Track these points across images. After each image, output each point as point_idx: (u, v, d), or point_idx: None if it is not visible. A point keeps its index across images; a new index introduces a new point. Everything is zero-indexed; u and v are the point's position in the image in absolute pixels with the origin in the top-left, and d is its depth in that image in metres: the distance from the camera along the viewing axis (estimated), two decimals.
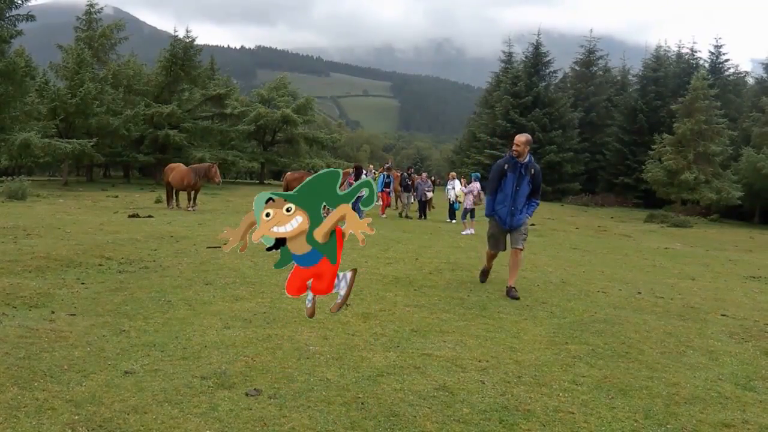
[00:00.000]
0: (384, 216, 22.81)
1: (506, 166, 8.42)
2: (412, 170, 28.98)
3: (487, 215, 8.84)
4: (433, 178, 31.64)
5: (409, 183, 24.53)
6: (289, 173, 25.45)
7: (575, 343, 6.11)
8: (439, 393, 4.54)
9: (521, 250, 8.50)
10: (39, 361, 4.80)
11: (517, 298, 7.97)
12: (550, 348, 5.88)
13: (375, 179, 28.28)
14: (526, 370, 5.20)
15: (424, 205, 24.59)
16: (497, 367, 5.23)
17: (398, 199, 25.89)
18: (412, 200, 24.65)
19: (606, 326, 6.86)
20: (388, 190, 24.07)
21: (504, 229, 8.59)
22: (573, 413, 4.29)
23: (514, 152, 8.36)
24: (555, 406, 4.39)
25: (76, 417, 3.85)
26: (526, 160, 8.37)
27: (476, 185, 19.38)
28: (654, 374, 5.25)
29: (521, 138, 8.48)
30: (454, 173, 24.97)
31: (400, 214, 24.23)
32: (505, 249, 8.76)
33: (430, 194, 25.57)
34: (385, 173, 25.16)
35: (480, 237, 17.42)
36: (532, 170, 8.43)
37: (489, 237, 8.89)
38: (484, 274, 9.24)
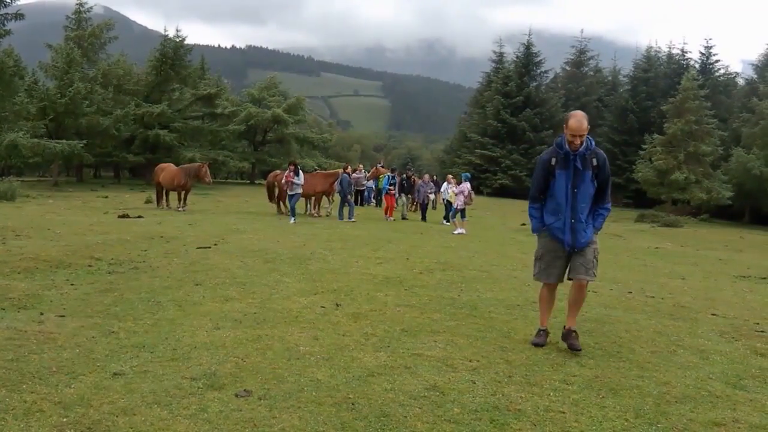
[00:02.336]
0: (392, 219, 22.47)
1: (553, 161, 5.82)
2: (411, 172, 28.67)
3: (534, 232, 6.20)
4: (435, 178, 31.27)
5: (406, 185, 24.36)
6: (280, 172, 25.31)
7: None
8: (430, 393, 4.53)
9: (587, 282, 5.89)
10: (27, 363, 4.77)
11: (579, 349, 5.71)
12: (541, 347, 5.88)
13: (379, 179, 28.16)
14: (517, 369, 5.19)
15: (425, 208, 24.18)
16: (488, 366, 5.23)
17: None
18: (406, 200, 24.49)
19: (597, 326, 6.87)
20: (393, 191, 23.67)
21: (562, 249, 5.89)
22: (564, 413, 4.29)
23: (575, 140, 5.67)
24: (546, 406, 4.39)
25: (65, 419, 3.82)
26: (582, 148, 5.72)
27: (466, 185, 19.35)
28: (644, 373, 5.25)
29: (578, 114, 5.76)
30: (450, 176, 24.68)
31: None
32: (562, 280, 6.06)
33: (432, 196, 25.37)
34: (390, 174, 24.92)
35: (470, 236, 17.43)
36: (594, 160, 5.75)
37: (538, 258, 6.11)
38: (539, 336, 6.08)
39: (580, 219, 5.78)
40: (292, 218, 18.48)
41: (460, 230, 18.41)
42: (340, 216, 20.77)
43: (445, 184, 24.06)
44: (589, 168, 5.73)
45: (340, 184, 20.98)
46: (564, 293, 6.56)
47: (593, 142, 5.82)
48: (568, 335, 5.82)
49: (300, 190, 19.31)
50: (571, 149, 5.69)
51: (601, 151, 5.85)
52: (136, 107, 41.88)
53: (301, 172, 19.52)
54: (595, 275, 5.94)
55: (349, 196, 21.31)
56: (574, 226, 5.78)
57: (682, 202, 42.09)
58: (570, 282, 5.99)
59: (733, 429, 4.17)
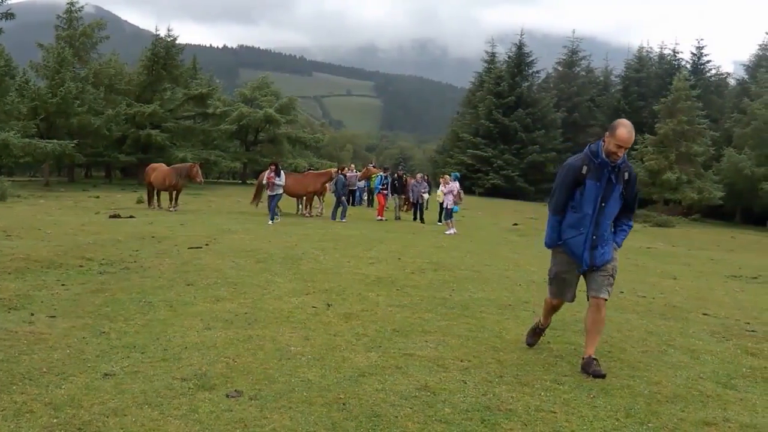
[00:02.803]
0: (384, 218, 22.35)
1: (585, 170, 5.25)
2: (403, 171, 28.46)
3: (548, 246, 5.66)
4: (427, 177, 31.10)
5: (397, 185, 24.27)
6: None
7: (557, 342, 6.13)
8: (421, 393, 4.53)
9: (605, 300, 5.37)
10: (18, 364, 4.74)
11: (603, 376, 5.11)
12: (532, 347, 5.89)
13: (371, 179, 28.09)
14: (508, 369, 5.20)
15: (420, 208, 23.85)
16: (479, 366, 5.23)
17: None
18: (399, 201, 24.40)
19: None
20: (385, 191, 23.54)
21: (579, 268, 5.44)
22: (555, 412, 4.29)
23: (620, 151, 5.12)
24: (537, 406, 4.40)
25: (55, 420, 3.80)
26: (619, 161, 5.20)
27: (455, 185, 19.37)
28: (635, 373, 5.27)
29: (628, 124, 5.18)
30: (447, 176, 24.60)
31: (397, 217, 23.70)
32: (573, 299, 5.71)
33: (426, 195, 25.35)
34: (382, 174, 24.85)
35: (462, 236, 17.45)
36: (626, 175, 5.28)
37: (552, 278, 5.69)
38: (535, 334, 6.00)
39: (603, 236, 5.30)
40: (277, 217, 18.43)
41: (452, 230, 18.42)
42: (333, 216, 20.75)
43: (442, 185, 24.05)
44: (621, 182, 5.25)
45: (335, 185, 20.92)
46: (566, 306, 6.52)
47: (626, 158, 5.29)
48: (589, 364, 5.21)
49: (281, 191, 19.24)
50: (611, 160, 5.15)
51: (632, 167, 5.45)
52: (128, 107, 41.74)
53: (282, 172, 19.49)
54: (609, 296, 5.39)
55: (343, 197, 21.27)
56: (595, 242, 5.28)
57: (674, 202, 42.25)
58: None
59: (724, 428, 4.19)
